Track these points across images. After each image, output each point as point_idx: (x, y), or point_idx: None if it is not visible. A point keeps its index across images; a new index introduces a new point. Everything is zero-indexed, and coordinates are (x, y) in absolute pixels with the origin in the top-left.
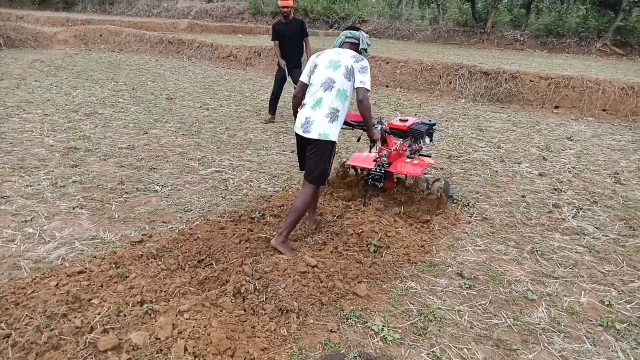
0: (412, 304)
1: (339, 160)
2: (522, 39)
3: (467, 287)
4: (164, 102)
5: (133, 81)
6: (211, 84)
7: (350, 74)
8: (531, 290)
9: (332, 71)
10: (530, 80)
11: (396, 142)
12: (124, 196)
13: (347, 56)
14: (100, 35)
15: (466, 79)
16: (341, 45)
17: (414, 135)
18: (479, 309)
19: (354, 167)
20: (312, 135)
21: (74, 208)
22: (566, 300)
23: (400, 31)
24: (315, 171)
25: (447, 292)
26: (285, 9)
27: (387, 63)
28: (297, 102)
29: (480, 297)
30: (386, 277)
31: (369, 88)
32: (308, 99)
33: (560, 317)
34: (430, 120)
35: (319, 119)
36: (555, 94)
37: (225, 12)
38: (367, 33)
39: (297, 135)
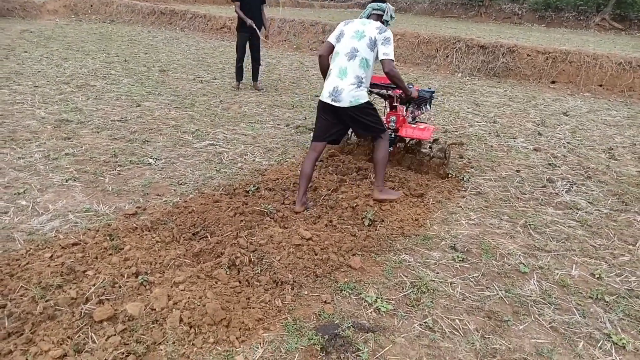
0: (406, 277)
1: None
2: (520, 12)
3: (460, 260)
4: (156, 74)
5: (125, 53)
6: (205, 56)
7: (373, 44)
8: (523, 264)
9: (357, 41)
10: (528, 55)
11: (402, 108)
12: (117, 169)
13: (372, 27)
14: (91, 6)
15: (463, 53)
16: (368, 17)
17: (419, 102)
18: (472, 282)
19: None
20: (343, 104)
21: (67, 181)
22: (557, 273)
23: (397, 3)
24: (372, 126)
25: (440, 265)
26: None
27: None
28: (325, 61)
29: (473, 269)
30: (380, 250)
31: (392, 58)
32: (333, 68)
33: (551, 289)
34: (430, 89)
35: (346, 87)
36: (553, 69)
37: None
38: (363, 5)
39: (323, 103)
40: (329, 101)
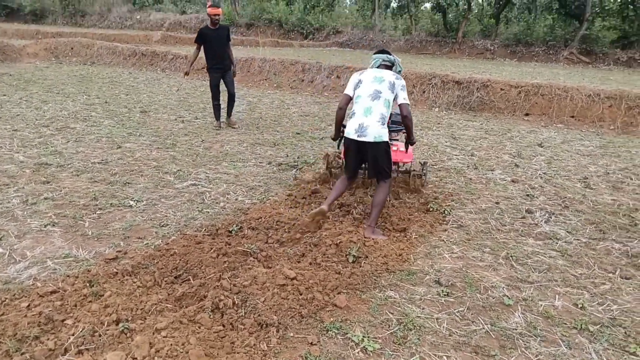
0: (392, 314)
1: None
2: (492, 48)
3: (444, 295)
4: (137, 115)
5: (106, 94)
6: (186, 96)
7: (392, 87)
8: (507, 296)
9: (378, 84)
10: (501, 89)
11: None
12: (97, 212)
13: (389, 74)
14: (72, 48)
15: (439, 88)
16: (379, 67)
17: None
18: (457, 316)
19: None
20: (368, 138)
21: (45, 226)
22: (541, 305)
23: (374, 41)
24: (382, 169)
25: (426, 300)
26: (216, 17)
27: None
28: (342, 113)
29: (458, 304)
30: (365, 287)
31: (409, 103)
32: (357, 109)
33: (536, 321)
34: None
35: (372, 123)
36: (526, 102)
37: (199, 24)
38: (341, 44)
39: (350, 140)
40: (355, 137)
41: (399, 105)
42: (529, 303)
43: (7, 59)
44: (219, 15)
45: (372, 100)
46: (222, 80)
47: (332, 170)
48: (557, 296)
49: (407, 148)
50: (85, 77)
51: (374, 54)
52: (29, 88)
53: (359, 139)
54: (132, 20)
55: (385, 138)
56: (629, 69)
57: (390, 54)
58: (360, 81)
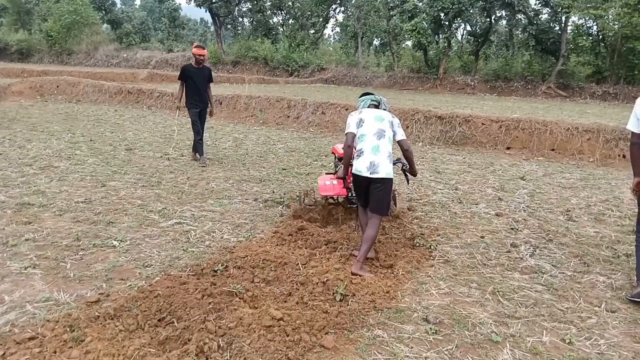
0: (380, 354)
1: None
2: (472, 83)
3: (433, 333)
4: (122, 153)
5: (91, 132)
6: (172, 133)
7: (392, 126)
8: (495, 332)
9: (380, 123)
10: (483, 124)
11: None
12: (80, 253)
13: (386, 113)
14: (57, 86)
15: (422, 124)
16: (369, 107)
17: None
18: (446, 355)
19: (330, 197)
20: (381, 175)
21: (26, 268)
22: (529, 341)
23: (357, 78)
24: (383, 204)
25: (414, 339)
26: (200, 57)
27: (346, 109)
28: (351, 151)
29: (447, 342)
30: (353, 326)
31: (406, 138)
32: (365, 147)
33: (524, 358)
34: None
35: (383, 161)
36: (507, 136)
37: (185, 62)
38: (325, 80)
39: (361, 178)
40: (367, 174)
41: (399, 141)
42: (517, 339)
43: None
44: (203, 56)
45: (377, 139)
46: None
47: (306, 206)
48: (544, 331)
49: (408, 180)
50: (71, 115)
51: (360, 96)
52: (12, 126)
53: (371, 176)
54: (119, 59)
55: (392, 175)
56: (604, 102)
57: (374, 95)
58: (362, 120)
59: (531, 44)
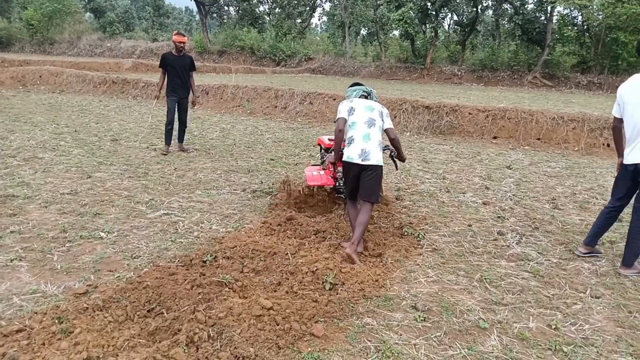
0: (370, 341)
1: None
2: (459, 73)
3: (421, 320)
4: (108, 143)
5: (75, 123)
6: (158, 124)
7: (381, 115)
8: (483, 319)
9: (370, 112)
10: (469, 113)
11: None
12: (66, 245)
13: (376, 103)
14: (40, 76)
15: (410, 113)
16: (359, 97)
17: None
18: (435, 341)
19: (318, 187)
20: (372, 162)
21: (11, 261)
22: (516, 327)
23: (345, 68)
24: (375, 191)
25: (403, 326)
26: (181, 44)
27: (334, 99)
28: (342, 135)
29: (435, 328)
30: (342, 314)
31: (393, 128)
32: (356, 135)
33: (511, 343)
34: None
35: (374, 149)
36: (493, 125)
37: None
38: (313, 70)
39: (352, 165)
40: (359, 161)
41: (386, 129)
42: (504, 325)
43: None
44: (183, 43)
45: (368, 127)
46: (177, 105)
47: (292, 194)
48: (531, 318)
49: (397, 166)
50: (54, 106)
51: (350, 86)
52: None
53: (362, 162)
54: (103, 48)
55: (382, 162)
56: (589, 92)
57: (365, 86)
58: (352, 109)
59: (517, 34)
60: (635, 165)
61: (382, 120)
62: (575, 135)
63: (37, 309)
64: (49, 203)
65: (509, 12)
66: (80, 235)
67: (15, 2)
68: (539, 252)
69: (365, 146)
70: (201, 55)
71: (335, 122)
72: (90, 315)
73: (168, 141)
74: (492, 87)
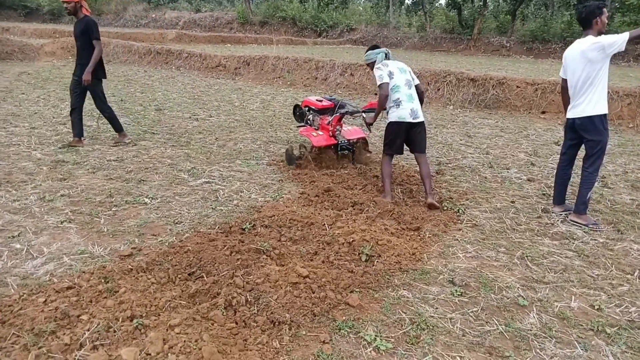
0: (405, 313)
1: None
2: (508, 45)
3: (458, 295)
4: (152, 113)
5: (121, 92)
6: (200, 94)
7: (411, 74)
8: (522, 296)
9: (405, 74)
10: (517, 86)
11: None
12: (112, 209)
13: (404, 64)
14: None
15: (454, 86)
16: (388, 58)
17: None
18: (471, 316)
19: (324, 147)
20: (421, 119)
21: (62, 222)
22: (557, 306)
23: (388, 39)
24: (425, 142)
25: (439, 300)
26: (66, 4)
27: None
28: (387, 99)
29: (472, 304)
30: (378, 286)
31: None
32: (402, 97)
33: (551, 322)
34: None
35: (418, 107)
36: (542, 100)
37: (213, 22)
38: (355, 41)
39: (404, 123)
40: (411, 120)
41: (416, 85)
42: (544, 304)
43: (26, 57)
44: (67, 3)
45: (408, 88)
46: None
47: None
48: (573, 297)
49: (370, 130)
50: None
51: (369, 50)
52: (46, 86)
53: (414, 120)
54: (148, 19)
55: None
56: None
57: (383, 48)
58: (391, 72)
59: (572, 3)
60: (573, 119)
61: (412, 78)
62: (630, 111)
63: (85, 269)
64: (97, 169)
65: None
66: (126, 201)
67: None
68: (584, 232)
69: (412, 106)
70: (243, 27)
71: (378, 87)
72: (134, 276)
73: (76, 132)
74: (542, 60)
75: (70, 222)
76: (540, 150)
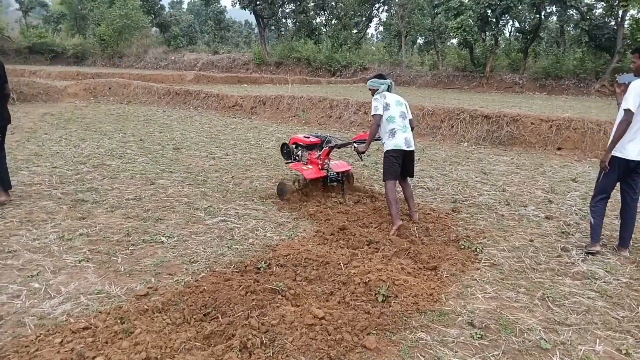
0: (423, 357)
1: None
2: (521, 82)
3: (478, 337)
4: (170, 152)
5: (141, 132)
6: (217, 133)
7: (407, 108)
8: (544, 339)
9: (401, 107)
10: (532, 123)
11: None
12: (130, 248)
13: (401, 98)
14: (109, 88)
15: (468, 123)
16: (390, 90)
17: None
18: None
19: (314, 179)
20: (413, 147)
21: (80, 261)
22: (581, 349)
23: (401, 77)
24: (414, 169)
25: (459, 343)
26: None
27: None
28: (378, 129)
29: (493, 347)
30: (395, 327)
31: None
32: (397, 127)
33: None
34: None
35: (412, 137)
36: (557, 136)
37: (230, 63)
38: (368, 80)
39: (401, 151)
40: (406, 148)
41: (410, 119)
42: (568, 347)
43: (49, 99)
44: None
45: (402, 119)
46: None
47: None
48: (597, 340)
49: (362, 159)
50: (122, 116)
51: (374, 77)
52: (68, 126)
53: (408, 149)
54: (167, 61)
55: None
56: None
57: (385, 77)
58: (387, 104)
59: (584, 40)
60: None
61: (408, 111)
62: None
63: (101, 309)
64: (115, 208)
65: (575, 17)
66: (143, 239)
67: (91, 20)
68: (606, 271)
69: (407, 135)
70: (259, 67)
71: (372, 116)
72: (150, 316)
73: (6, 185)
74: (556, 96)
75: (88, 261)
76: (558, 187)
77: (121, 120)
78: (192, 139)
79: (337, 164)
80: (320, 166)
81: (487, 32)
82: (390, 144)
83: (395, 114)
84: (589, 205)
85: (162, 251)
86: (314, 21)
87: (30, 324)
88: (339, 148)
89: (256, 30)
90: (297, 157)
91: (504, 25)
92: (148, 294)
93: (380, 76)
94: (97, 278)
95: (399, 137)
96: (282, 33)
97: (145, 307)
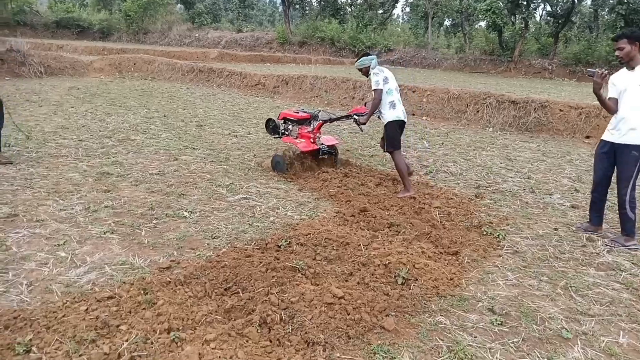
0: (442, 340)
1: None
2: (550, 67)
3: (498, 324)
4: (193, 129)
5: (164, 108)
6: (240, 112)
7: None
8: (566, 329)
9: (394, 81)
10: (560, 110)
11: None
12: (153, 222)
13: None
14: (134, 64)
15: (494, 108)
16: (381, 64)
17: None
18: (512, 347)
19: (308, 152)
20: (406, 119)
21: (105, 233)
22: (603, 340)
23: (426, 60)
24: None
25: (478, 328)
26: None
27: (414, 92)
28: (380, 103)
29: (513, 334)
30: (414, 310)
31: None
32: (395, 100)
33: (597, 358)
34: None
35: (403, 108)
36: (586, 124)
37: (254, 42)
38: (392, 62)
39: (401, 122)
40: (404, 119)
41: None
42: (590, 338)
43: (76, 73)
44: None
45: (397, 92)
46: None
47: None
48: (621, 332)
49: (362, 129)
50: (146, 92)
51: (362, 57)
52: (94, 101)
53: (405, 119)
54: (191, 38)
55: None
56: None
57: (373, 55)
58: (386, 78)
59: (619, 26)
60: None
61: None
62: None
63: (125, 279)
64: (139, 182)
65: (611, 2)
66: (166, 214)
67: None
68: (633, 263)
69: (402, 107)
70: (282, 46)
71: (374, 91)
72: (172, 289)
73: None
74: (586, 83)
75: (112, 232)
76: (585, 177)
77: (145, 96)
78: (214, 116)
79: (327, 137)
80: (312, 139)
81: (517, 15)
82: (392, 115)
83: (393, 87)
84: (626, 198)
85: (184, 226)
86: (339, 0)
87: (57, 291)
88: (335, 121)
89: (280, 8)
90: (285, 132)
91: (535, 9)
92: (171, 266)
93: (365, 54)
94: (122, 249)
95: (399, 109)
96: (307, 12)
97: (168, 279)
